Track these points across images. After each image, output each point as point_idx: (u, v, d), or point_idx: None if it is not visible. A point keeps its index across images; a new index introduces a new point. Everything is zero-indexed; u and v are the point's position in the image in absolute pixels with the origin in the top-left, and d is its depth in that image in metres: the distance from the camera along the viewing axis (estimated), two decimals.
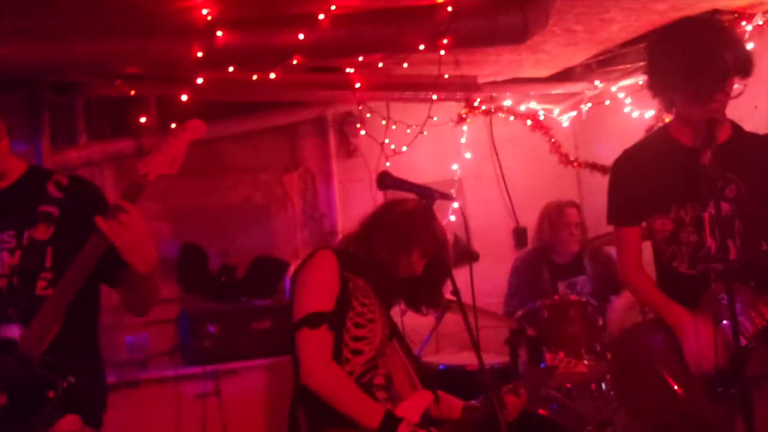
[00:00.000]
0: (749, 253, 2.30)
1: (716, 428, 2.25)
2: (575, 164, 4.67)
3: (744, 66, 2.25)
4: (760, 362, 2.18)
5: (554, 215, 4.11)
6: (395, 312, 3.92)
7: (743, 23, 3.61)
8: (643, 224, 2.49)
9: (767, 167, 2.31)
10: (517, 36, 3.43)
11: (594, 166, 4.58)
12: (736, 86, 2.30)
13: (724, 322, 2.15)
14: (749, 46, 3.63)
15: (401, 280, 2.54)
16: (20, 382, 1.97)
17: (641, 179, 2.42)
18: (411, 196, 2.39)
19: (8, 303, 2.05)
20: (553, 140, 4.62)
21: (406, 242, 2.49)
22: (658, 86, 2.34)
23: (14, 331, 2.01)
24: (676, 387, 2.30)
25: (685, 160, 2.28)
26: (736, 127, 2.41)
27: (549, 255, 4.19)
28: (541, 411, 3.28)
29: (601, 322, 3.67)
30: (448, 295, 3.43)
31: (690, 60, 2.18)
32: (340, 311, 2.38)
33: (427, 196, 2.30)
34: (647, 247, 2.53)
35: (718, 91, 2.19)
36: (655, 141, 2.55)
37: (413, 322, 4.74)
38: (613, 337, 3.67)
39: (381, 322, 2.50)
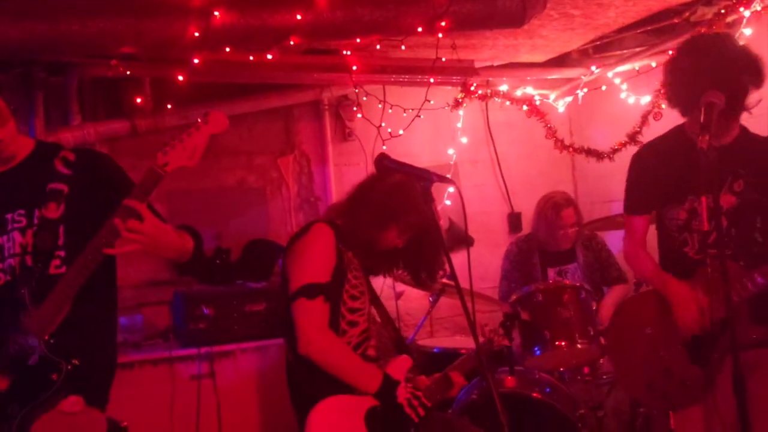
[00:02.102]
0: (744, 239, 2.49)
1: (693, 387, 2.49)
2: (570, 150, 4.67)
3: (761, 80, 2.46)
4: (740, 331, 2.32)
5: (551, 216, 4.09)
6: (390, 297, 3.97)
7: (741, 9, 3.59)
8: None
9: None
10: (515, 19, 3.42)
11: (589, 152, 4.58)
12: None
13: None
14: (747, 31, 3.65)
15: (383, 252, 2.58)
16: (26, 362, 1.99)
17: (658, 171, 2.63)
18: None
19: (22, 283, 2.05)
20: (549, 126, 4.61)
21: (386, 218, 2.52)
22: (681, 96, 2.50)
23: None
24: (660, 349, 2.57)
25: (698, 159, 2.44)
26: (743, 128, 2.58)
27: (542, 245, 4.20)
28: (534, 394, 3.31)
29: (594, 307, 3.69)
30: (443, 279, 3.49)
31: (713, 74, 2.35)
32: (336, 283, 2.42)
33: (425, 179, 2.30)
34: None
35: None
36: (671, 138, 2.71)
37: (407, 306, 4.79)
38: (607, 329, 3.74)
39: (367, 294, 2.56)
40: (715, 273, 2.32)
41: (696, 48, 2.54)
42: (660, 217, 2.67)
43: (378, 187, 2.58)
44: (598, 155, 4.50)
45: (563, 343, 3.48)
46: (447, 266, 2.24)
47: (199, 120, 2.05)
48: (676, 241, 2.60)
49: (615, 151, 4.37)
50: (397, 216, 2.52)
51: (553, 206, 4.10)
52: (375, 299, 2.68)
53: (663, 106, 4.04)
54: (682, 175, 2.52)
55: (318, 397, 2.36)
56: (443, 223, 2.78)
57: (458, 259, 2.26)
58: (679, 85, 2.50)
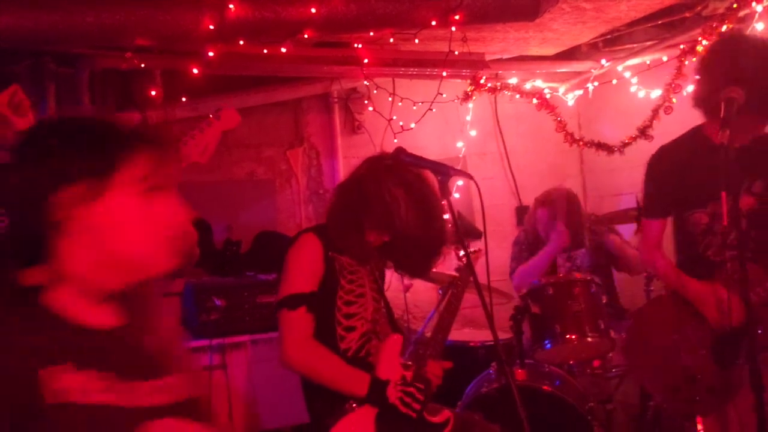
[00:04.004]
0: (764, 241, 2.49)
1: (720, 392, 2.46)
2: (580, 144, 4.67)
3: None
4: (763, 332, 2.37)
5: (530, 214, 4.21)
6: (398, 290, 3.97)
7: (753, 4, 3.59)
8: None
9: None
10: (528, 13, 3.42)
11: (599, 146, 4.57)
12: None
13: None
14: (759, 26, 3.64)
15: (375, 249, 2.52)
16: None
17: (677, 176, 2.60)
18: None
19: None
20: (558, 119, 4.61)
21: (359, 219, 2.45)
22: (710, 92, 2.42)
23: None
24: (685, 355, 2.52)
25: (719, 157, 2.40)
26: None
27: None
28: (544, 387, 3.32)
29: (605, 300, 3.70)
30: (451, 272, 3.49)
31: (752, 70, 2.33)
32: (327, 292, 2.39)
33: (442, 172, 2.30)
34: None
35: None
36: (689, 140, 2.67)
37: (416, 299, 4.79)
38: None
39: (370, 294, 2.51)
40: (734, 274, 2.30)
41: (723, 46, 2.52)
42: (682, 221, 2.64)
43: (352, 187, 2.52)
44: (608, 149, 4.49)
45: (573, 337, 3.48)
46: (464, 257, 2.23)
47: (211, 116, 2.06)
48: (699, 245, 2.59)
49: (625, 145, 4.37)
50: (367, 215, 2.44)
51: (533, 205, 4.23)
52: (382, 294, 2.64)
53: (674, 100, 4.04)
54: (704, 178, 2.49)
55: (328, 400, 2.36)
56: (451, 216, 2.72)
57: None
58: (704, 84, 2.47)
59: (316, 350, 2.35)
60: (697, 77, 2.54)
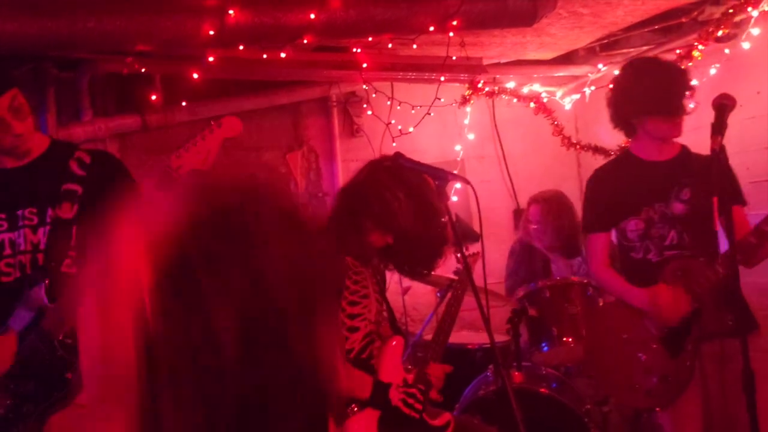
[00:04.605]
0: (697, 241, 2.66)
1: (674, 379, 2.62)
2: (577, 147, 4.70)
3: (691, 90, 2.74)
4: (709, 320, 2.55)
5: (524, 213, 4.28)
6: (396, 292, 3.99)
7: (749, 9, 3.62)
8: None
9: (707, 178, 2.59)
10: (525, 19, 3.45)
11: (596, 149, 4.61)
12: (691, 105, 2.73)
13: None
14: (755, 31, 3.68)
15: (378, 251, 2.53)
16: (41, 362, 2.01)
17: (613, 191, 2.83)
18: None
19: (35, 282, 2.07)
20: (555, 123, 4.64)
21: (360, 220, 2.47)
22: (628, 114, 2.76)
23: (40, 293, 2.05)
24: (638, 351, 2.69)
25: (648, 171, 2.78)
26: (684, 146, 2.84)
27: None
28: (541, 389, 3.35)
29: (601, 303, 3.72)
30: (450, 275, 3.51)
31: (663, 86, 2.63)
32: None
33: (441, 177, 2.33)
34: None
35: (683, 109, 2.65)
36: (620, 161, 3.00)
37: (414, 302, 4.82)
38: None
39: (373, 296, 2.52)
40: (677, 270, 2.58)
41: (637, 70, 2.77)
42: (621, 232, 2.83)
43: (353, 190, 2.55)
44: (605, 153, 4.53)
45: (570, 339, 3.51)
46: (461, 262, 2.25)
47: (213, 124, 2.08)
48: (639, 250, 2.77)
49: (622, 148, 4.40)
50: (369, 216, 2.46)
51: (528, 203, 4.26)
52: (383, 295, 2.67)
53: None
54: (636, 189, 2.76)
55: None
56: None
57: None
58: (620, 107, 2.76)
59: None
60: (622, 93, 2.77)
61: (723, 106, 2.22)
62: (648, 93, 2.64)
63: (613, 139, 4.61)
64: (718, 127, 2.16)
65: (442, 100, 4.16)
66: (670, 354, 2.63)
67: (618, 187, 2.82)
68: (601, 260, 2.88)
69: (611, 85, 2.91)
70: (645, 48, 4.43)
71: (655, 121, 2.69)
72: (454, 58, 3.85)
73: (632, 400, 2.84)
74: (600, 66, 4.63)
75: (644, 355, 2.68)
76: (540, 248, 4.20)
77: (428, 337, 4.13)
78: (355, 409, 2.36)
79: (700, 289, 2.54)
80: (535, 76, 4.86)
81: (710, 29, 3.79)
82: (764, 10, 3.57)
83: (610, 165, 3.02)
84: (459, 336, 4.26)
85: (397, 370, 2.44)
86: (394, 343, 2.48)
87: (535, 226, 4.15)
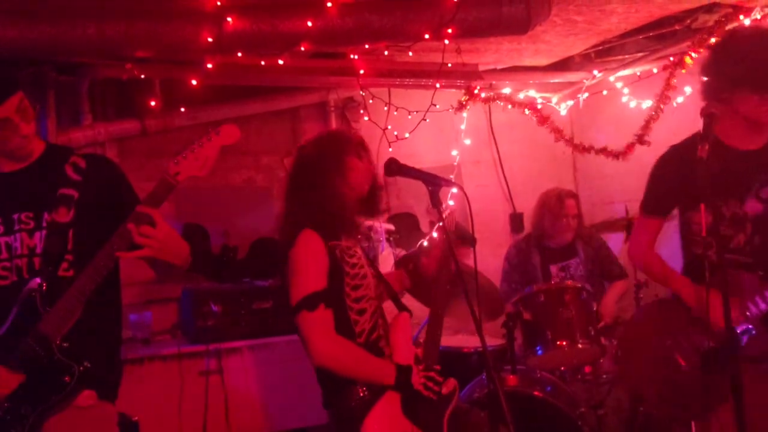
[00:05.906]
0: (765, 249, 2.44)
1: (713, 396, 2.43)
2: (581, 149, 4.73)
3: None
4: (760, 344, 2.36)
5: (554, 205, 4.19)
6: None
7: (741, 17, 3.66)
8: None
9: None
10: (519, 26, 3.48)
11: (600, 150, 4.63)
12: None
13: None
14: None
15: (357, 203, 2.59)
16: (39, 365, 2.03)
17: (684, 175, 2.48)
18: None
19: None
20: (555, 128, 4.68)
21: (322, 181, 2.53)
22: (722, 86, 2.39)
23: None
24: (680, 359, 2.51)
25: (729, 160, 2.44)
26: None
27: (543, 240, 4.28)
28: (536, 393, 3.38)
29: (595, 307, 3.76)
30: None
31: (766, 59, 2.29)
32: (335, 282, 2.42)
33: (434, 183, 2.38)
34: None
35: None
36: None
37: (411, 306, 4.81)
38: (607, 326, 3.85)
39: (369, 271, 2.56)
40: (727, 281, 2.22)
41: (742, 39, 2.45)
42: (686, 222, 2.61)
43: (300, 163, 2.66)
44: (613, 155, 4.51)
45: (564, 343, 3.54)
46: (453, 266, 2.30)
47: (212, 131, 2.11)
48: (701, 245, 2.50)
49: (626, 151, 4.42)
50: (329, 176, 2.53)
51: (557, 196, 4.22)
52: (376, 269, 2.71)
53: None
54: (713, 178, 2.36)
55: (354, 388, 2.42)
56: (449, 224, 2.79)
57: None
58: (714, 77, 2.42)
59: (343, 344, 2.40)
60: (720, 63, 2.43)
61: (712, 115, 2.24)
62: (748, 64, 2.29)
63: (608, 143, 4.65)
64: (706, 136, 2.18)
65: (438, 106, 4.20)
66: (709, 369, 2.45)
67: (690, 172, 2.35)
68: (647, 243, 2.68)
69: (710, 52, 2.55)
70: (640, 55, 4.47)
71: (751, 99, 2.35)
72: (450, 65, 3.88)
73: (666, 411, 2.64)
74: (595, 72, 4.67)
75: (684, 366, 2.50)
76: (554, 247, 4.24)
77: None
78: (365, 392, 2.39)
79: (756, 311, 2.33)
80: (531, 82, 4.90)
81: (703, 37, 3.83)
82: (756, 19, 3.62)
83: (685, 145, 2.58)
84: (455, 340, 4.30)
85: (408, 346, 2.52)
86: (401, 320, 2.56)
87: (575, 220, 4.20)
